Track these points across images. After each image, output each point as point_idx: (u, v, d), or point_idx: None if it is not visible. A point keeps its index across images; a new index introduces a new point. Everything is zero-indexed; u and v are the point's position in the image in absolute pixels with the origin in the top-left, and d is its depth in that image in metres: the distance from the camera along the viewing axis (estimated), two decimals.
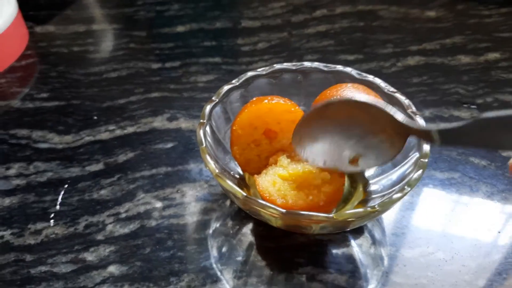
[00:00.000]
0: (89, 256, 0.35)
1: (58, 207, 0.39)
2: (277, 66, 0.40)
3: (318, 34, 0.61)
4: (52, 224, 0.38)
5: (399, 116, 0.30)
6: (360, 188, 0.38)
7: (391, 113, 0.30)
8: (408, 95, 0.37)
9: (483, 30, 0.61)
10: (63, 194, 0.40)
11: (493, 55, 0.56)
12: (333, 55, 0.57)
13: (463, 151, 0.43)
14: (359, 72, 0.39)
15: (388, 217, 0.38)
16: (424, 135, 0.29)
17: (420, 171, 0.32)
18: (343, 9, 0.66)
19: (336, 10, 0.66)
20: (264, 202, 0.30)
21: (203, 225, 0.38)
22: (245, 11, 0.66)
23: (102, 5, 0.69)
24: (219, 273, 0.34)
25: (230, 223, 0.38)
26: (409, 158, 0.35)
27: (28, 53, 0.59)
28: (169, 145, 0.45)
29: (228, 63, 0.56)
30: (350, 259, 0.35)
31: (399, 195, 0.30)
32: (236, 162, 0.38)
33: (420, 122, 0.35)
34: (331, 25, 0.63)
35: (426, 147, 0.33)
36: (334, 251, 0.36)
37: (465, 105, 0.49)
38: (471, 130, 0.26)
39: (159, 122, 0.47)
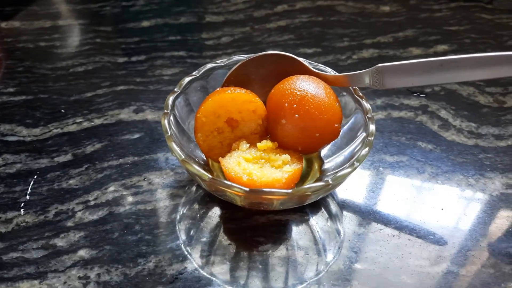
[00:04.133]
0: (60, 242, 0.37)
1: (28, 197, 0.40)
2: (235, 58, 0.43)
3: (279, 29, 0.64)
4: (22, 213, 0.39)
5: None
6: (316, 167, 0.41)
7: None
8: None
9: (433, 23, 0.65)
10: (33, 185, 0.41)
11: (442, 47, 0.60)
12: (293, 48, 0.60)
13: (411, 137, 0.47)
14: (310, 61, 0.42)
15: (342, 198, 0.41)
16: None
17: (367, 148, 0.35)
18: (303, 4, 0.69)
19: (296, 5, 0.69)
20: (229, 182, 0.33)
21: (169, 210, 0.40)
22: (209, 6, 0.69)
23: (68, 0, 0.70)
24: (185, 253, 0.36)
25: (195, 207, 0.40)
26: (357, 138, 0.38)
27: None
28: (136, 135, 0.47)
29: (193, 56, 0.58)
30: (306, 237, 0.38)
31: (349, 170, 0.34)
32: (200, 149, 0.40)
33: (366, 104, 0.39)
34: (292, 19, 0.66)
35: (372, 127, 0.37)
36: (291, 230, 0.38)
37: (414, 94, 0.52)
38: (368, 73, 0.38)
39: (125, 114, 0.49)
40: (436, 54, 0.59)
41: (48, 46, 0.60)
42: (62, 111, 0.49)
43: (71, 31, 0.63)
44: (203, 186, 0.37)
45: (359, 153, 0.35)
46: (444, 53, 0.59)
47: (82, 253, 0.36)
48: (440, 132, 0.48)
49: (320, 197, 0.36)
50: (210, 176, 0.33)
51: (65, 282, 0.34)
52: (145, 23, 0.65)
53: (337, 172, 0.36)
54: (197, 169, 0.34)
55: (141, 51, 0.59)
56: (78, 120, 0.48)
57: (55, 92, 0.52)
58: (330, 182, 0.33)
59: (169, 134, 0.36)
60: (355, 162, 0.34)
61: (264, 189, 0.33)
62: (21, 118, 0.48)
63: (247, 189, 0.32)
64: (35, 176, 0.42)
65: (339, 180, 0.34)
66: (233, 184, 0.33)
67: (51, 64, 0.56)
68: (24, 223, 0.38)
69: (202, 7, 0.69)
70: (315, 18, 0.66)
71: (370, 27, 0.64)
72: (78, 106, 0.50)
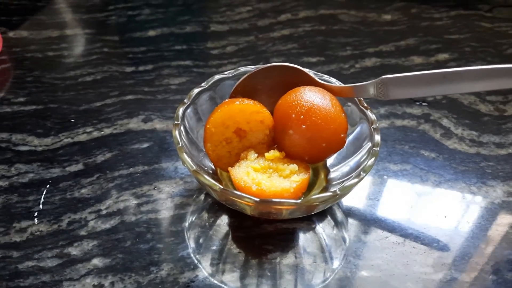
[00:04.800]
0: (74, 251, 0.38)
1: (41, 206, 0.41)
2: (242, 69, 0.44)
3: (283, 38, 0.65)
4: (36, 222, 0.40)
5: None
6: (322, 176, 0.42)
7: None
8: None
9: (434, 32, 0.66)
10: (45, 194, 0.42)
11: (443, 56, 0.61)
12: (296, 57, 0.61)
13: (414, 145, 0.48)
14: (316, 72, 0.44)
15: (348, 206, 0.42)
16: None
17: (373, 159, 0.36)
18: (306, 13, 0.70)
19: (299, 14, 0.70)
20: (239, 193, 0.34)
21: (179, 218, 0.41)
22: (213, 16, 0.70)
23: (74, 10, 0.71)
24: (196, 262, 0.37)
25: (205, 216, 0.41)
26: (362, 148, 0.39)
27: (3, 58, 0.60)
28: (145, 145, 0.48)
29: (199, 66, 0.59)
30: (314, 244, 0.39)
31: (356, 180, 0.35)
32: (208, 159, 0.41)
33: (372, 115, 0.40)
34: (295, 29, 0.67)
35: (377, 137, 0.38)
36: (299, 238, 0.40)
37: (417, 103, 0.53)
38: (373, 85, 0.39)
39: (134, 124, 0.50)
40: (437, 62, 0.60)
41: (56, 56, 0.61)
42: (72, 120, 0.50)
43: (78, 41, 0.64)
44: (213, 196, 0.38)
45: (365, 163, 0.36)
46: (445, 62, 0.60)
47: (96, 261, 0.37)
48: (443, 140, 0.49)
49: (327, 206, 0.37)
50: (221, 187, 0.34)
51: None
52: (151, 33, 0.66)
53: (344, 182, 0.37)
54: (208, 179, 0.35)
55: (148, 60, 0.60)
56: (88, 129, 0.49)
57: (65, 101, 0.53)
58: (338, 192, 0.34)
59: (180, 145, 0.37)
60: (361, 172, 0.35)
61: (274, 200, 0.34)
62: (32, 127, 0.49)
63: (258, 199, 0.33)
64: (48, 186, 0.43)
65: (346, 190, 0.35)
66: (244, 195, 0.34)
67: (60, 74, 0.57)
68: (38, 232, 0.39)
69: (206, 16, 0.70)
70: (318, 27, 0.67)
71: (372, 36, 0.65)
72: (88, 116, 0.51)
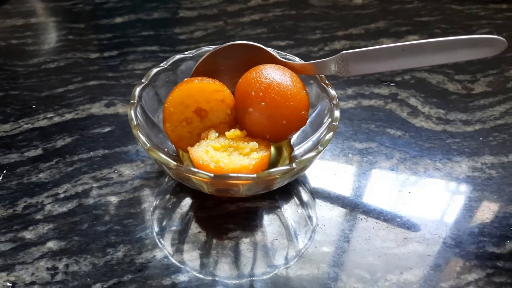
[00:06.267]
0: (28, 235, 0.37)
1: None
2: (204, 49, 0.43)
3: (252, 22, 0.64)
4: None
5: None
6: (285, 154, 0.42)
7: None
8: (333, 76, 0.41)
9: (404, 15, 0.66)
10: (2, 179, 0.41)
11: (412, 38, 0.61)
12: (266, 41, 0.60)
13: (380, 124, 0.47)
14: (278, 51, 0.43)
15: (311, 184, 0.41)
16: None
17: (331, 133, 0.36)
18: None
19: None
20: (194, 169, 0.33)
21: (139, 200, 0.40)
22: (182, 2, 0.69)
23: None
24: (154, 243, 0.36)
25: (165, 197, 0.40)
26: (323, 124, 0.39)
27: None
28: (107, 129, 0.47)
29: (166, 51, 0.58)
30: (276, 223, 0.38)
31: (313, 153, 0.34)
32: (170, 141, 0.40)
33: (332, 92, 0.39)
34: (265, 13, 0.66)
35: (337, 113, 0.37)
36: (261, 217, 0.39)
37: (384, 83, 0.53)
38: (333, 61, 0.40)
39: (96, 108, 0.49)
40: None
41: (20, 44, 0.59)
42: (33, 107, 0.49)
43: (43, 29, 0.63)
44: (170, 175, 0.37)
45: (323, 138, 0.36)
46: None
47: (51, 244, 0.36)
48: (409, 119, 0.48)
49: (286, 181, 0.37)
50: (175, 163, 0.33)
51: (33, 274, 0.34)
52: (118, 19, 0.65)
53: (302, 156, 0.36)
54: (163, 157, 0.34)
55: (113, 46, 0.59)
56: (49, 115, 0.48)
57: (26, 88, 0.52)
58: (294, 166, 0.33)
59: (135, 123, 0.36)
60: (319, 146, 0.35)
61: (229, 174, 0.33)
62: None
63: (212, 174, 0.32)
64: (4, 171, 0.42)
65: (303, 164, 0.34)
66: (198, 170, 0.33)
67: (22, 61, 0.56)
68: None
69: (175, 2, 0.69)
70: (288, 12, 0.67)
71: (342, 19, 0.65)
72: (49, 102, 0.50)
